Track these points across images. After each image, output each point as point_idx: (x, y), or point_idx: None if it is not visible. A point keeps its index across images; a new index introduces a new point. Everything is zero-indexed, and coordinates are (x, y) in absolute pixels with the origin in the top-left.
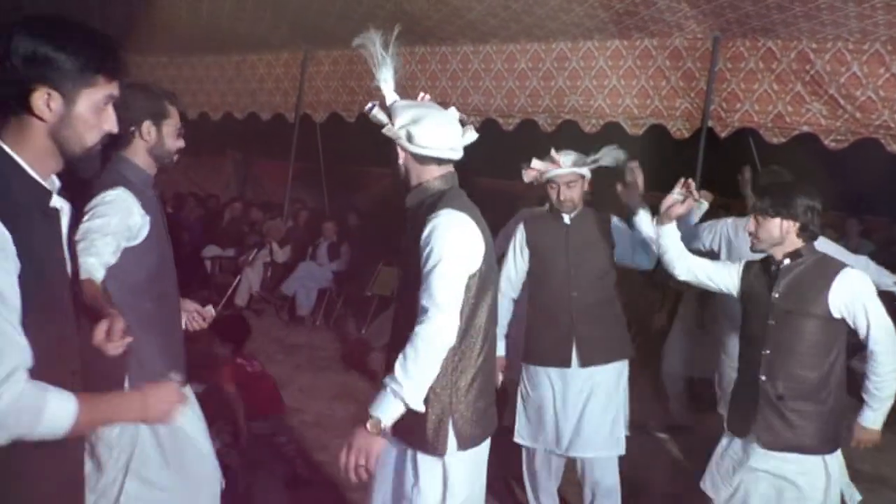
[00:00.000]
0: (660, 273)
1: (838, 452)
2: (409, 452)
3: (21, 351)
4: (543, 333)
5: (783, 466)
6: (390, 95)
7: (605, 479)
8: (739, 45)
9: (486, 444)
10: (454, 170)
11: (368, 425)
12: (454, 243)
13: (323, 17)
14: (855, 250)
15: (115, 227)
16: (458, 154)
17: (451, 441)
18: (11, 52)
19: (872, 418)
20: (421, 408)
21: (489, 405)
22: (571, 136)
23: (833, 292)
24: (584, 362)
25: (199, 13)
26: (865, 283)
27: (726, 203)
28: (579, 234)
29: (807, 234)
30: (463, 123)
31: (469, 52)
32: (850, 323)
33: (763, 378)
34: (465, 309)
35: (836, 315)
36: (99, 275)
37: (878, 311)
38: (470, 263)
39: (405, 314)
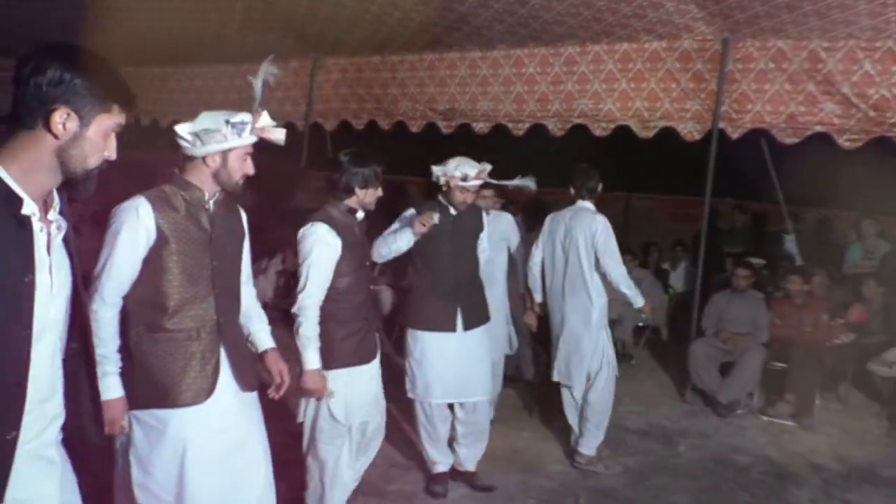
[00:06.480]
0: None
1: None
2: None
3: None
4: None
5: None
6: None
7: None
8: (749, 46)
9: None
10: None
11: None
12: None
13: (330, 25)
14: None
15: None
16: None
17: None
18: (39, 73)
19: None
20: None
21: None
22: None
23: None
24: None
25: (208, 25)
26: None
27: (741, 205)
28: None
29: None
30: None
31: (477, 58)
32: None
33: None
34: None
35: None
36: None
37: None
38: None
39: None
